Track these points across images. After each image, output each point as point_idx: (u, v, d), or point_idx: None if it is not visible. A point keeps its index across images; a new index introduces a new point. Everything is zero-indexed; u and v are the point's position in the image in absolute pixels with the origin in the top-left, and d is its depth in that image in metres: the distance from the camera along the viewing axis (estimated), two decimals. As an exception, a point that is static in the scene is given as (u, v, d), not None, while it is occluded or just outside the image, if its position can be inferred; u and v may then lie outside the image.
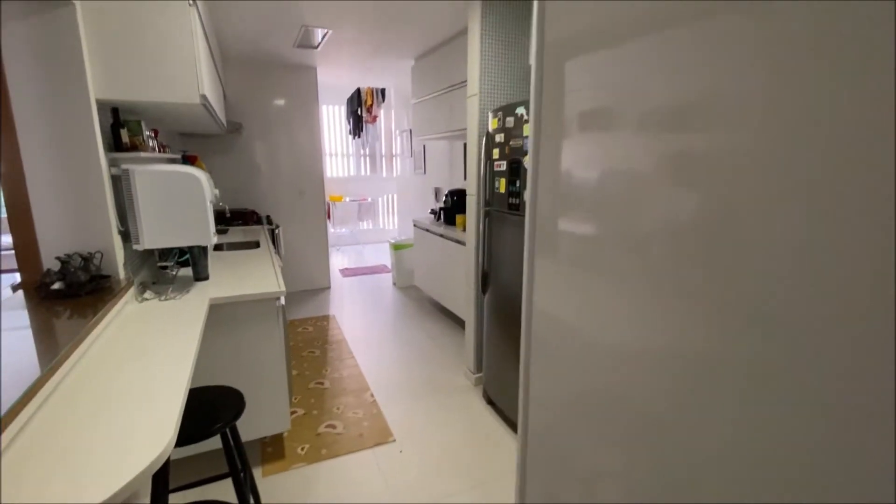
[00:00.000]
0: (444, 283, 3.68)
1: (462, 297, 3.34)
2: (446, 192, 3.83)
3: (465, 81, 3.06)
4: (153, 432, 0.87)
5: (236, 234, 3.37)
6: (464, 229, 3.47)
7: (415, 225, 4.23)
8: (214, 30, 3.16)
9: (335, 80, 5.26)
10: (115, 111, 1.74)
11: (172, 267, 1.99)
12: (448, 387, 2.71)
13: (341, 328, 3.64)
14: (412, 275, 4.74)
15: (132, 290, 1.71)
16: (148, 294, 1.76)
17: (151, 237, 1.69)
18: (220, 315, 1.79)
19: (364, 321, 3.80)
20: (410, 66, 4.22)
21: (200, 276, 1.98)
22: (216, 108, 2.31)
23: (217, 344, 1.80)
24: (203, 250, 1.96)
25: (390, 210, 7.50)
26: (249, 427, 1.89)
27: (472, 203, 2.60)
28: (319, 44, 3.53)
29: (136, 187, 1.63)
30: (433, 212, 4.26)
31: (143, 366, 1.16)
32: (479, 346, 2.71)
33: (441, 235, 3.66)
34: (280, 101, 4.27)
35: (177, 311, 1.61)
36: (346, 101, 6.43)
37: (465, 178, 3.56)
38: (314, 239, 4.65)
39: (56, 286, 1.45)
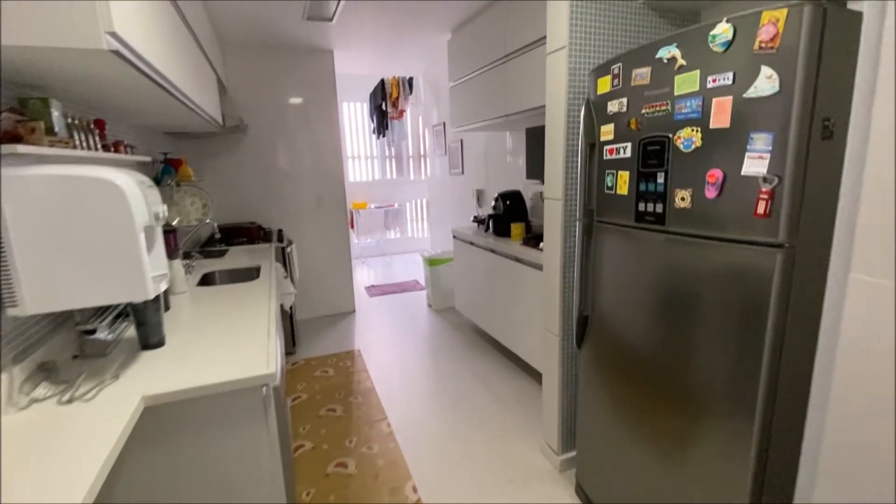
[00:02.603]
0: (498, 313, 2.88)
1: (526, 333, 2.53)
2: (495, 195, 3.03)
3: (533, 43, 2.27)
4: None
5: (238, 255, 2.66)
6: (522, 242, 2.66)
7: (454, 236, 3.45)
8: (204, 3, 2.47)
9: (356, 69, 4.55)
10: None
11: (104, 326, 1.27)
12: (519, 471, 1.90)
13: (369, 370, 2.89)
14: (451, 295, 3.96)
15: (7, 387, 0.98)
16: (43, 390, 1.03)
17: (38, 294, 0.96)
18: (169, 418, 1.04)
19: (397, 359, 3.04)
20: (446, 42, 3.44)
21: (150, 342, 1.25)
22: (182, 84, 1.59)
23: (163, 463, 1.06)
24: (155, 301, 1.22)
25: (420, 216, 6.76)
26: None
27: (554, 211, 1.79)
28: (334, 14, 2.80)
29: (2, 205, 0.90)
30: (477, 220, 3.46)
31: None
32: (568, 416, 1.90)
33: (491, 250, 2.87)
34: (292, 92, 3.58)
35: (82, 425, 0.88)
36: (368, 98, 5.73)
37: (526, 175, 2.76)
38: (335, 254, 3.93)
39: None
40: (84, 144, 1.37)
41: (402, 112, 5.28)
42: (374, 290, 4.69)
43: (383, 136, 5.59)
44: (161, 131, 2.67)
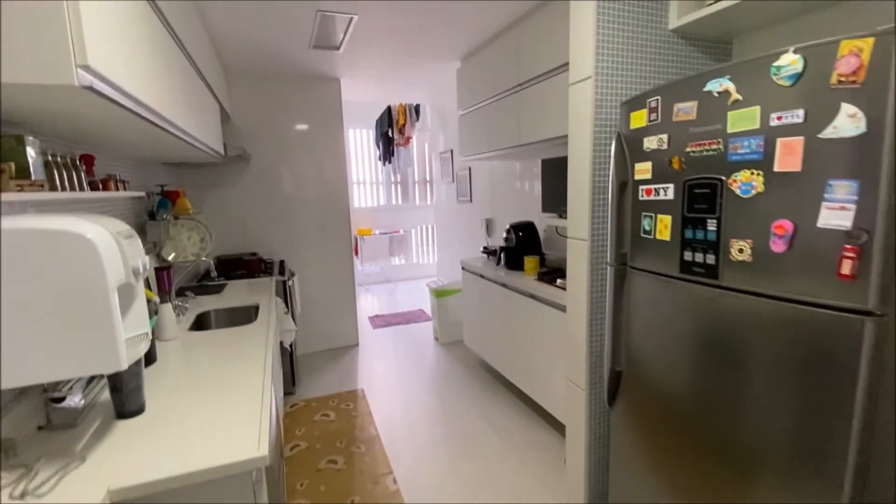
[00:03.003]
0: (510, 351, 2.70)
1: (542, 376, 2.35)
2: (507, 227, 2.89)
3: (549, 72, 2.17)
4: None
5: (236, 290, 2.52)
6: (537, 278, 2.51)
7: (463, 268, 3.30)
8: (208, 32, 2.41)
9: (362, 96, 4.50)
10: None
11: (77, 388, 1.11)
12: (545, 543, 1.70)
13: (373, 413, 2.70)
14: (459, 328, 3.78)
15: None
16: (-10, 480, 0.87)
17: (-12, 368, 0.81)
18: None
19: (403, 400, 2.85)
20: (455, 70, 3.38)
21: (126, 410, 1.09)
22: (174, 116, 1.47)
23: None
24: (135, 364, 1.07)
25: (426, 241, 6.63)
26: None
27: (579, 252, 1.65)
28: (342, 42, 2.73)
29: (-51, 267, 0.76)
30: (487, 251, 3.32)
31: None
32: (596, 479, 1.70)
33: (503, 285, 2.71)
34: (297, 120, 3.50)
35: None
36: (374, 125, 5.69)
37: (542, 207, 2.64)
38: (339, 285, 3.78)
39: None
40: (67, 184, 1.24)
41: (408, 139, 5.22)
42: (379, 321, 4.51)
43: (389, 162, 5.52)
44: (159, 161, 2.57)
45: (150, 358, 1.46)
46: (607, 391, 1.49)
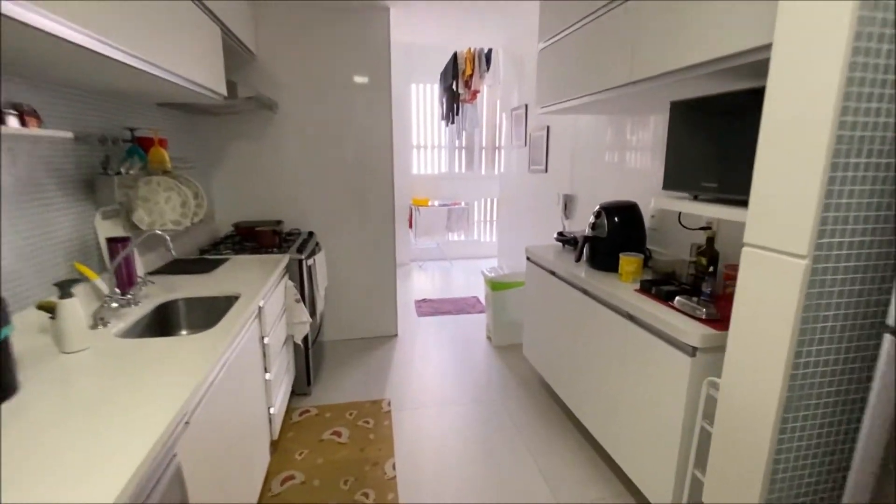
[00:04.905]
0: (584, 384, 1.91)
1: (636, 436, 1.55)
2: (596, 208, 2.04)
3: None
4: None
5: (233, 269, 1.97)
6: (639, 289, 1.67)
7: (529, 258, 2.51)
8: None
9: (422, 37, 3.73)
10: None
11: None
12: None
13: (396, 439, 2.09)
14: (517, 330, 3.04)
15: None
16: None
17: None
18: None
19: (437, 427, 2.20)
20: (536, 5, 2.48)
21: None
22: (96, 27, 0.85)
23: None
24: None
25: (490, 218, 5.85)
26: None
27: (780, 279, 0.81)
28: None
29: None
30: (563, 238, 2.49)
31: None
32: None
33: (584, 291, 1.90)
34: (335, 62, 2.84)
35: None
36: (439, 78, 4.91)
37: (664, 182, 1.78)
38: (379, 265, 3.18)
39: None
40: None
41: (475, 93, 4.39)
42: (425, 308, 3.89)
43: (452, 122, 4.74)
44: (152, 102, 2.04)
45: (3, 388, 0.91)
46: None
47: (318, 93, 2.85)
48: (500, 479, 1.84)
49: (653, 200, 1.49)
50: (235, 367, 1.35)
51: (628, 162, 2.31)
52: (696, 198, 1.42)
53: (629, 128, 2.29)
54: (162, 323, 1.57)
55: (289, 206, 2.96)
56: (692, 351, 1.31)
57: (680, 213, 1.80)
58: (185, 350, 1.15)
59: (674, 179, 1.46)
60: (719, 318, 1.37)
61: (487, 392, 2.52)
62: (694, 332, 1.30)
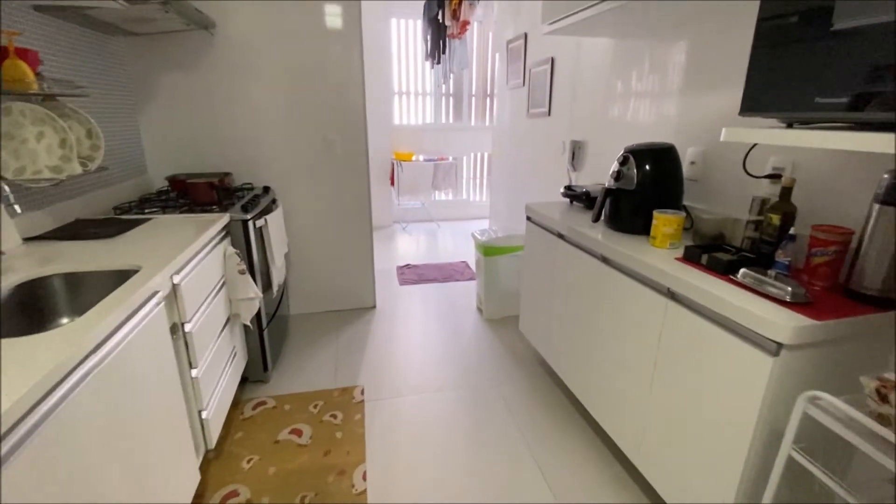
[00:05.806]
0: (599, 373, 1.54)
1: (671, 446, 1.18)
2: (621, 153, 1.60)
3: None
4: None
5: (147, 233, 1.50)
6: (683, 257, 1.26)
7: (529, 217, 2.08)
8: None
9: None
10: None
11: None
12: None
13: (368, 437, 1.72)
14: (513, 300, 2.66)
15: None
16: None
17: None
18: None
19: (417, 420, 1.83)
20: None
21: None
22: None
23: None
24: None
25: (480, 174, 5.36)
26: None
27: None
28: None
29: None
30: (571, 193, 2.05)
31: None
32: None
33: (602, 259, 1.49)
34: (287, -30, 2.25)
35: None
36: (422, 10, 4.25)
37: (742, 105, 1.34)
38: (351, 227, 2.72)
39: None
40: None
41: (464, 25, 3.78)
42: (409, 275, 3.47)
43: (438, 61, 4.15)
44: (27, 3, 1.48)
45: None
46: None
47: (271, 15, 2.27)
48: (495, 488, 1.49)
49: (724, 131, 1.04)
50: (117, 372, 0.92)
51: (651, 99, 1.84)
52: (790, 126, 0.97)
53: (652, 56, 1.80)
54: (27, 310, 1.12)
55: (239, 156, 2.44)
56: (775, 348, 0.92)
57: (746, 156, 1.35)
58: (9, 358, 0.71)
59: (762, 97, 0.98)
60: (810, 302, 0.97)
61: (479, 372, 2.15)
62: (780, 321, 0.90)
